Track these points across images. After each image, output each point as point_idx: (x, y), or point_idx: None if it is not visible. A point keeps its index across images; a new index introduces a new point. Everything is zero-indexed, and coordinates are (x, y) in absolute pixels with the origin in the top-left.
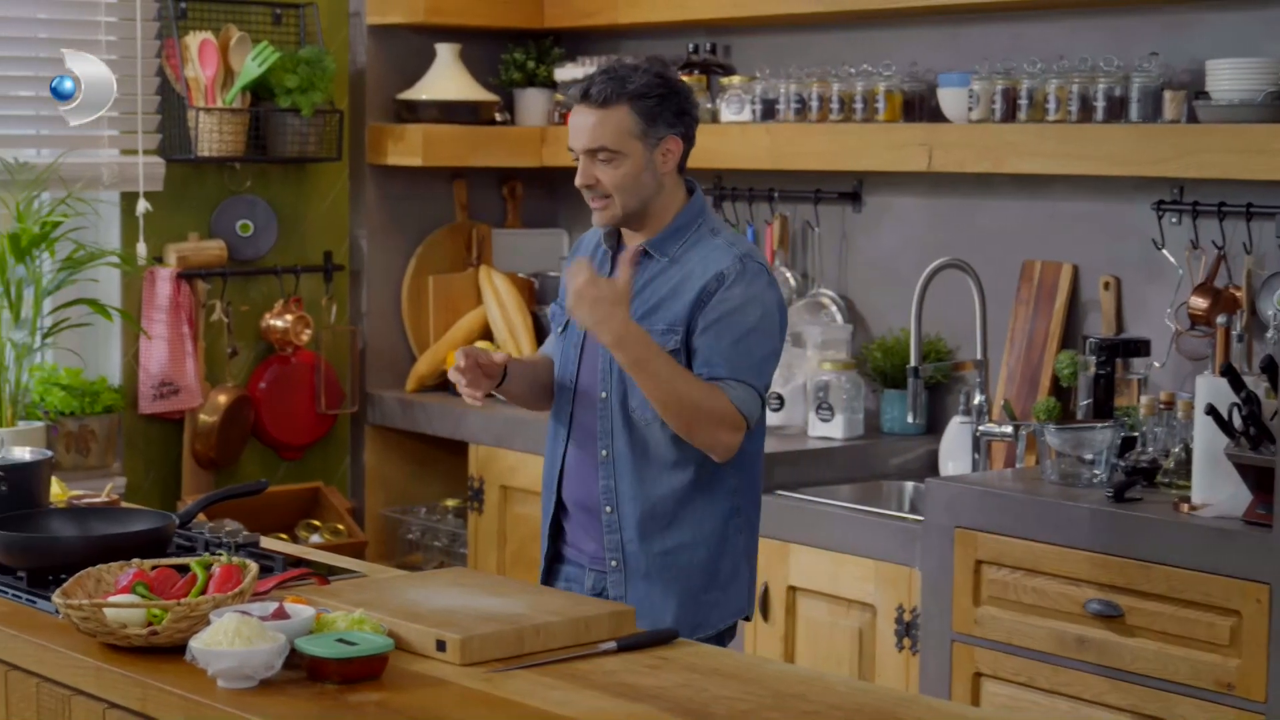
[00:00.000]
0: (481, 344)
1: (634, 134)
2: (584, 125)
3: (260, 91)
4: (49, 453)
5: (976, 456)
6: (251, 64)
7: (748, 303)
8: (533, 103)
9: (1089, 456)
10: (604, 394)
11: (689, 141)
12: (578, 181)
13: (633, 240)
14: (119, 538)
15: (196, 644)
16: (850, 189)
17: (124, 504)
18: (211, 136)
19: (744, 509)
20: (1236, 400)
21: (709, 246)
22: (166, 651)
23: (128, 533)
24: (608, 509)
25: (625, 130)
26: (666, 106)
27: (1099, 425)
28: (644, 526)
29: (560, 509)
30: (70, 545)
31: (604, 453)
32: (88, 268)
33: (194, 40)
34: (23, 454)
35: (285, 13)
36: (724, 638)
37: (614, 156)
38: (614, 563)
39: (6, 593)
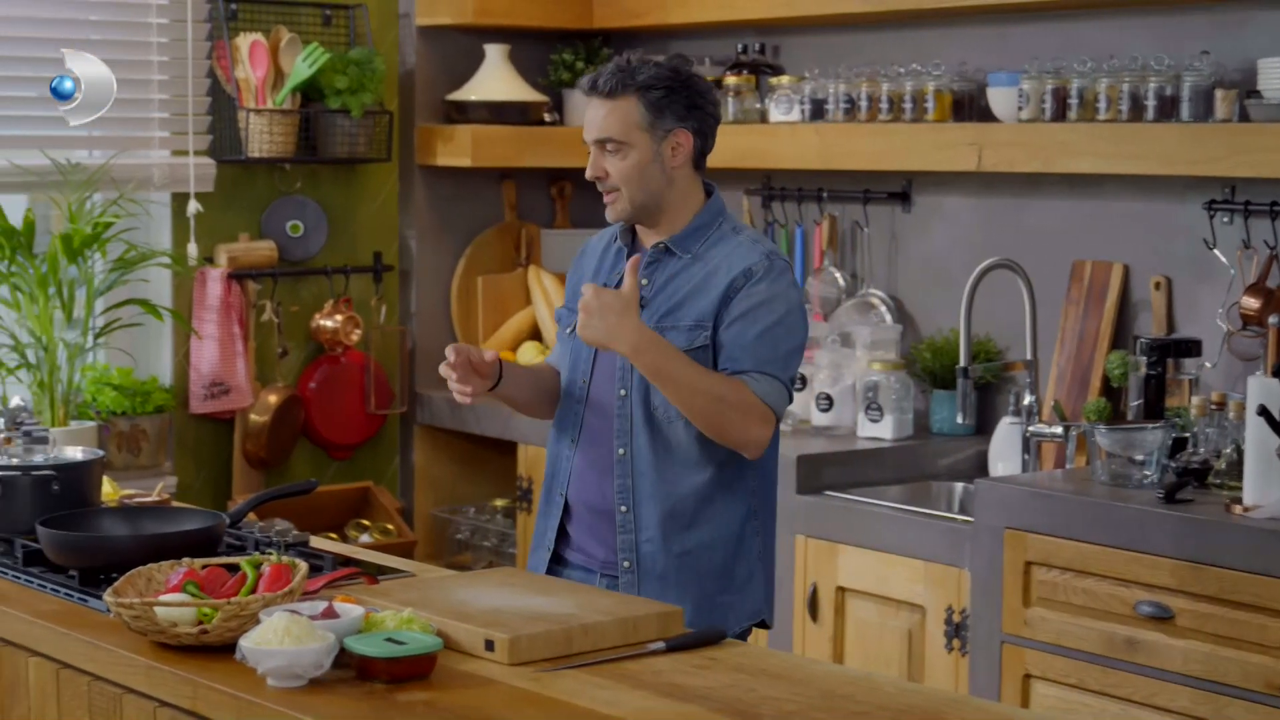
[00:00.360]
0: (530, 345)
1: (640, 125)
2: (594, 117)
3: (310, 92)
4: (101, 452)
5: (1026, 457)
6: (302, 65)
7: (774, 298)
8: (582, 103)
9: (1140, 457)
10: (623, 392)
11: (702, 138)
12: (588, 174)
13: (649, 238)
14: (170, 537)
15: (246, 643)
16: (899, 189)
17: (175, 503)
18: (262, 137)
19: (760, 512)
20: None
21: (733, 244)
22: (216, 650)
23: (178, 532)
24: (623, 509)
25: (631, 121)
26: (675, 99)
27: (1150, 426)
28: (665, 526)
29: (565, 513)
30: (121, 544)
31: (621, 451)
32: (139, 268)
33: (244, 41)
34: (75, 453)
35: (335, 14)
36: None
37: (620, 147)
38: (626, 564)
39: (58, 591)
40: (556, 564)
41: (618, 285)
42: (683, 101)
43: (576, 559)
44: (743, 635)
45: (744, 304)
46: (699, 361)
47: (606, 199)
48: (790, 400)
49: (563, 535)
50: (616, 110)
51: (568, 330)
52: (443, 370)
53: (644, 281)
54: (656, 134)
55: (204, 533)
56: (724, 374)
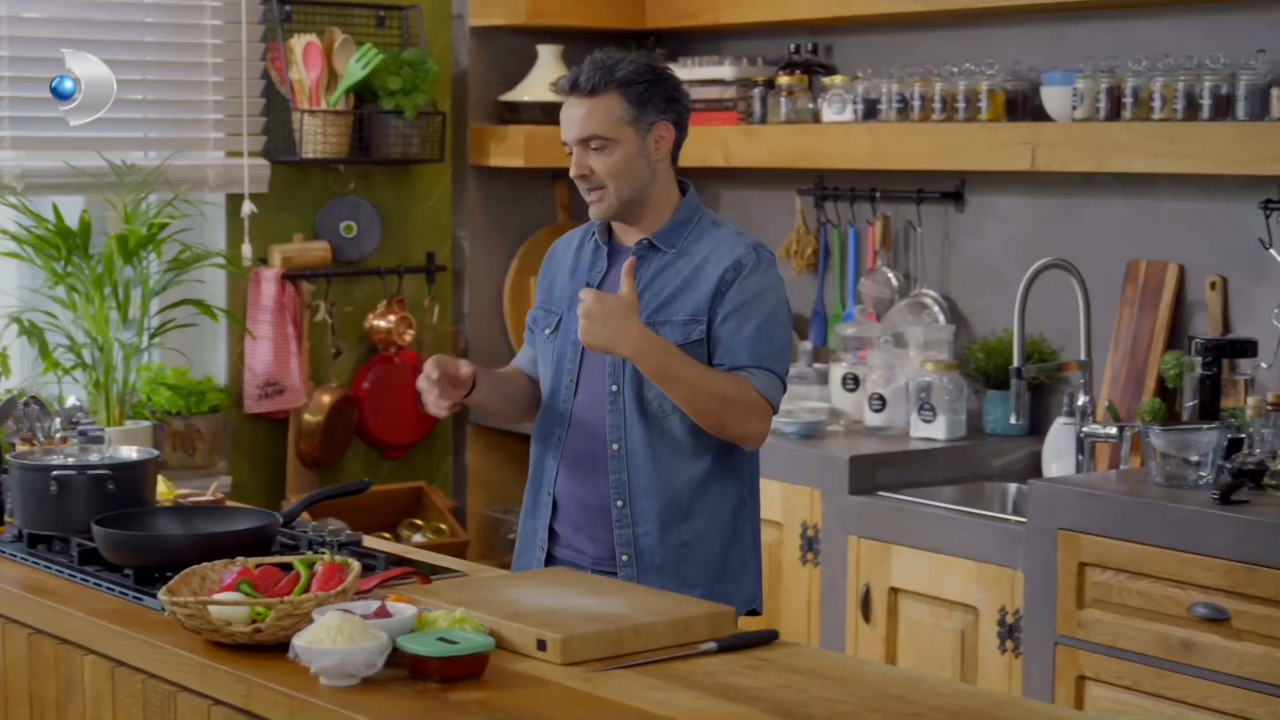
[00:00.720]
0: None
1: (625, 120)
2: (575, 116)
3: (364, 93)
4: (155, 452)
5: (1080, 458)
6: (355, 66)
7: (765, 291)
8: None
9: (1195, 458)
10: (614, 387)
11: (680, 131)
12: (573, 173)
13: (628, 236)
14: (223, 536)
15: (299, 642)
16: (953, 188)
17: (229, 503)
18: (315, 138)
19: (748, 500)
20: None
21: (717, 237)
22: (270, 649)
23: (232, 531)
24: (619, 503)
25: (616, 117)
26: (655, 92)
27: (1205, 426)
28: (662, 518)
29: (552, 512)
30: (175, 544)
31: (615, 446)
32: (194, 269)
33: (298, 43)
34: (130, 453)
35: (388, 15)
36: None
37: (606, 144)
38: (625, 558)
39: (113, 590)
40: (545, 563)
41: (600, 285)
42: (662, 95)
43: (565, 555)
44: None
45: (737, 299)
46: (694, 356)
47: (592, 197)
48: (784, 391)
49: (550, 534)
50: (599, 107)
51: (546, 331)
52: (421, 384)
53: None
54: (640, 128)
55: (257, 532)
56: (722, 370)
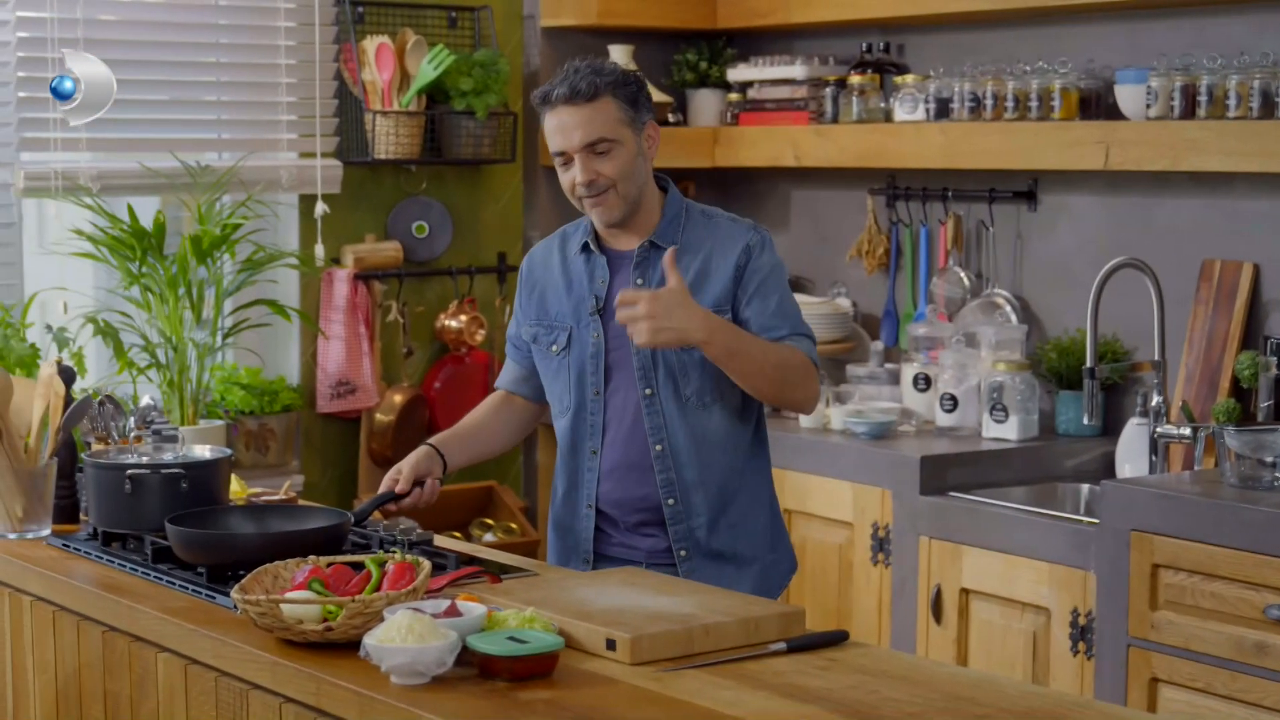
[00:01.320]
0: None
1: (624, 121)
2: (575, 123)
3: (435, 94)
4: (229, 451)
5: (1154, 459)
6: (427, 67)
7: (775, 266)
8: (705, 103)
9: (1269, 459)
10: (648, 391)
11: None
12: (579, 179)
13: (619, 241)
14: (295, 535)
15: (370, 640)
16: (1025, 188)
17: (301, 502)
18: (388, 139)
19: (767, 469)
20: None
21: (713, 225)
22: (341, 647)
23: (303, 530)
24: (670, 501)
25: (616, 118)
26: (641, 93)
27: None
28: (712, 508)
29: (596, 519)
30: (247, 543)
31: (659, 447)
32: (267, 269)
33: (371, 44)
34: (203, 452)
35: (460, 16)
36: (775, 593)
37: (612, 146)
38: (683, 553)
39: (187, 588)
40: (596, 565)
41: (607, 294)
42: (645, 95)
43: (618, 553)
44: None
45: (756, 278)
46: None
47: (596, 202)
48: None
49: (597, 539)
50: (600, 111)
51: (553, 348)
52: (406, 505)
53: (639, 281)
54: (636, 128)
55: (329, 531)
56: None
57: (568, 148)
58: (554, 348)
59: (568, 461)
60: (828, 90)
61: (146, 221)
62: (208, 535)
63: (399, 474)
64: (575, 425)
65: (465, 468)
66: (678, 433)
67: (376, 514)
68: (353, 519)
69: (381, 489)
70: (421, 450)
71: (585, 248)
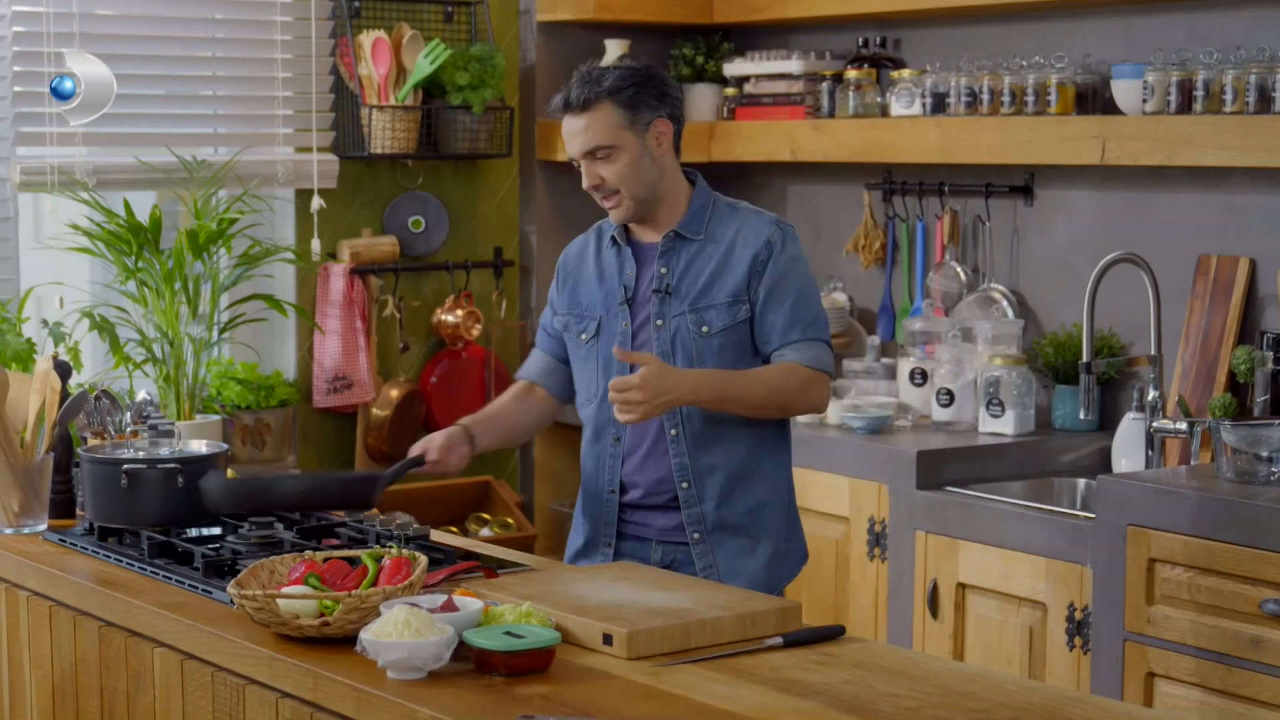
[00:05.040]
0: None
1: (622, 125)
2: (574, 131)
3: (432, 89)
4: (225, 445)
5: (1150, 453)
6: (423, 62)
7: (795, 263)
8: (702, 98)
9: (1265, 454)
10: None
11: (677, 123)
12: (585, 185)
13: (647, 234)
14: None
15: (367, 635)
16: (1022, 182)
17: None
18: (384, 134)
19: (787, 462)
20: None
21: (739, 217)
22: (337, 642)
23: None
24: (684, 485)
25: (613, 124)
26: (645, 92)
27: (1276, 422)
28: (725, 491)
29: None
30: (286, 487)
31: (674, 432)
32: (263, 264)
33: (367, 39)
34: (200, 447)
35: (456, 10)
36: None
37: (610, 151)
38: (696, 536)
39: (183, 583)
40: (614, 549)
41: (636, 284)
42: (652, 93)
43: (631, 530)
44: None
45: (774, 275)
46: (740, 337)
47: (608, 204)
48: (833, 350)
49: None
50: (595, 119)
51: (582, 336)
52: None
53: (663, 270)
54: (638, 129)
55: (363, 481)
56: (770, 348)
57: (572, 154)
58: (583, 336)
59: (592, 446)
60: (824, 85)
61: (143, 216)
62: (246, 482)
63: (430, 444)
64: (600, 411)
65: (492, 451)
66: (693, 419)
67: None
68: (386, 479)
69: (411, 454)
70: (454, 428)
71: (614, 241)
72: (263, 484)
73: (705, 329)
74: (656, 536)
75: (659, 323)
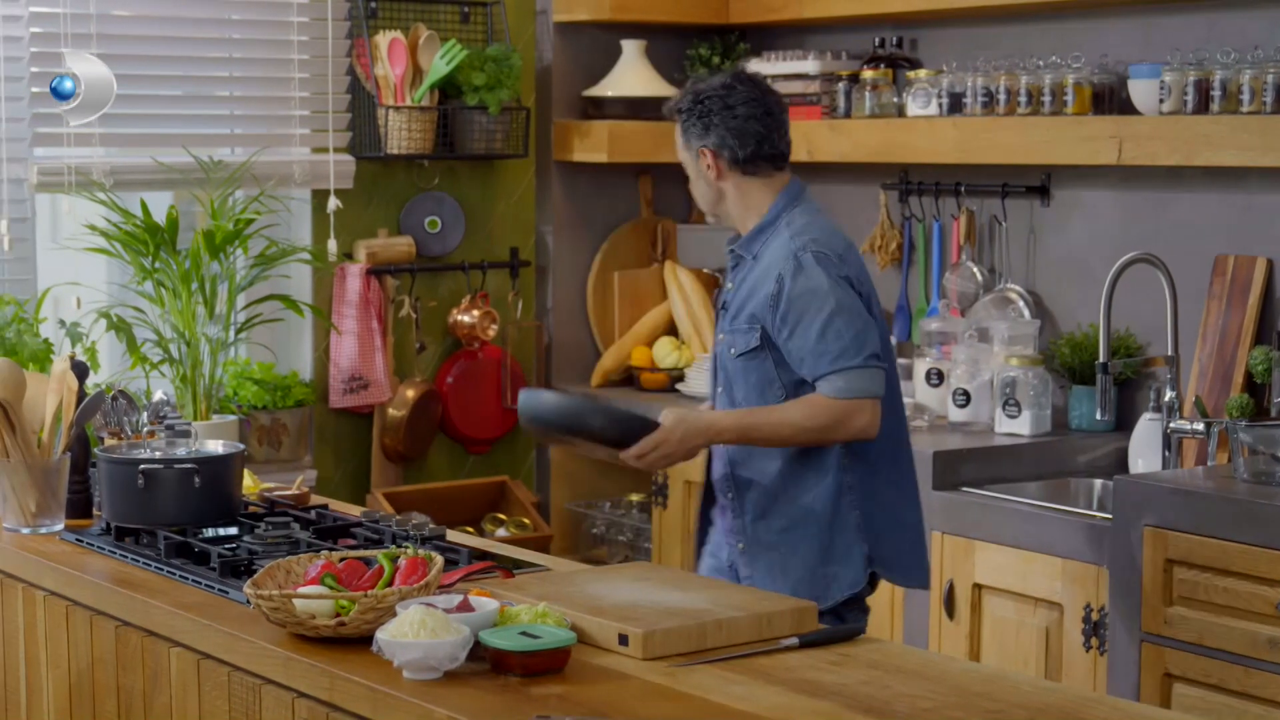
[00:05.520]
0: (666, 340)
1: (682, 146)
2: None
3: (448, 89)
4: (242, 446)
5: (1167, 454)
6: (440, 62)
7: (812, 292)
8: None
9: None
10: (719, 389)
11: (730, 149)
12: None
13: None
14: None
15: (383, 635)
16: (1038, 183)
17: (314, 497)
18: (400, 134)
19: (854, 486)
20: None
21: (777, 243)
22: (353, 642)
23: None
24: (729, 494)
25: (678, 143)
26: (692, 121)
27: None
28: (760, 506)
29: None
30: (596, 423)
31: (719, 446)
32: (280, 264)
33: (383, 39)
34: (216, 447)
35: (473, 11)
36: (845, 613)
37: (684, 166)
38: (740, 545)
39: (200, 583)
40: (709, 525)
41: (722, 293)
42: (698, 123)
43: (707, 524)
44: (852, 604)
45: (786, 308)
46: (761, 360)
47: None
48: (875, 369)
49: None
50: (676, 135)
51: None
52: None
53: (728, 286)
54: (691, 154)
55: (647, 426)
56: (800, 392)
57: None
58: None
59: None
60: (841, 85)
61: (159, 217)
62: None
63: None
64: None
65: None
66: None
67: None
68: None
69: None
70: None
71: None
72: (580, 414)
73: (733, 350)
74: (723, 536)
75: (720, 337)
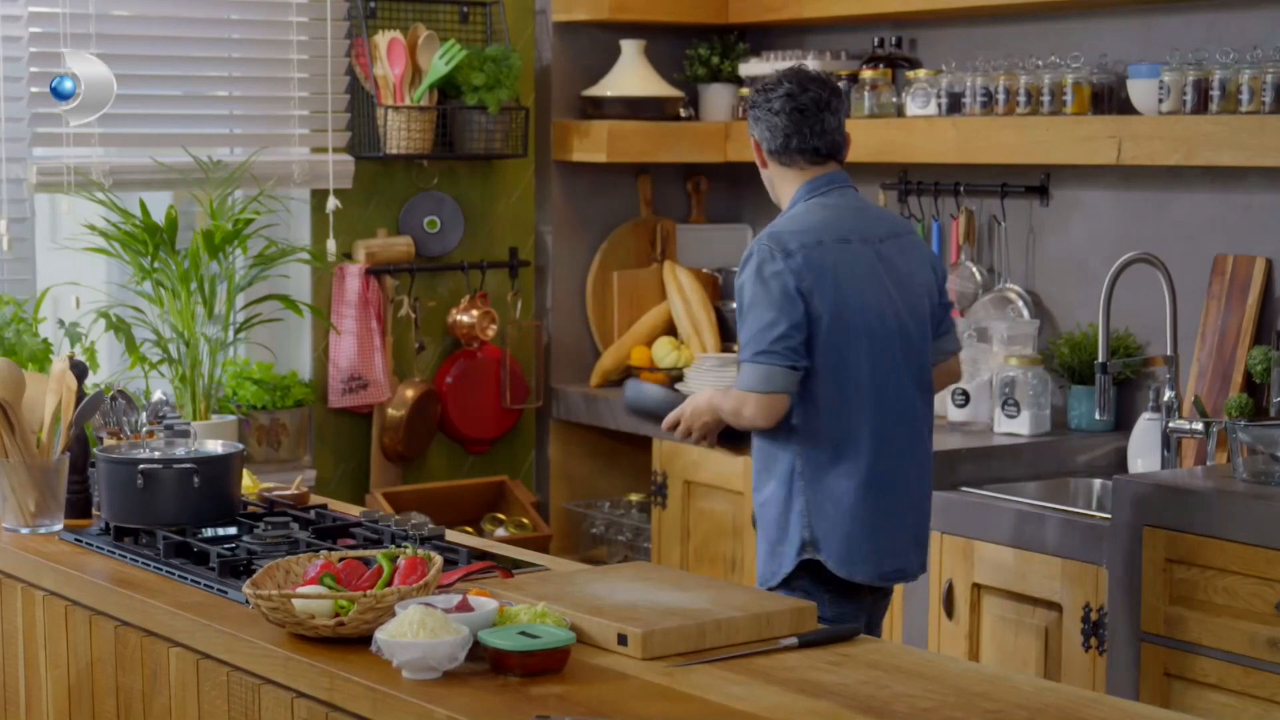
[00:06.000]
0: (665, 340)
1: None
2: None
3: (447, 89)
4: (241, 446)
5: (1166, 454)
6: (439, 62)
7: (741, 288)
8: (717, 98)
9: None
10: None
11: (766, 140)
12: None
13: None
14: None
15: (382, 635)
16: (1037, 183)
17: (314, 497)
18: (400, 134)
19: (802, 471)
20: None
21: None
22: (352, 642)
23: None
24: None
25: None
26: (750, 113)
27: None
28: (754, 484)
29: None
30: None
31: None
32: (279, 264)
33: (383, 39)
34: (216, 447)
35: (472, 11)
36: (793, 584)
37: None
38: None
39: (199, 583)
40: None
41: None
42: (750, 114)
43: None
44: (798, 572)
45: (737, 299)
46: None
47: None
48: (769, 368)
49: None
50: None
51: None
52: None
53: None
54: (752, 142)
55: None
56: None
57: None
58: None
59: None
60: (840, 85)
61: (159, 216)
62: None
63: None
64: None
65: None
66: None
67: (387, 508)
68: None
69: None
70: None
71: None
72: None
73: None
74: None
75: None
